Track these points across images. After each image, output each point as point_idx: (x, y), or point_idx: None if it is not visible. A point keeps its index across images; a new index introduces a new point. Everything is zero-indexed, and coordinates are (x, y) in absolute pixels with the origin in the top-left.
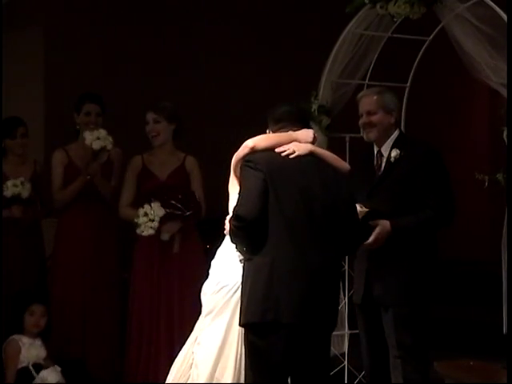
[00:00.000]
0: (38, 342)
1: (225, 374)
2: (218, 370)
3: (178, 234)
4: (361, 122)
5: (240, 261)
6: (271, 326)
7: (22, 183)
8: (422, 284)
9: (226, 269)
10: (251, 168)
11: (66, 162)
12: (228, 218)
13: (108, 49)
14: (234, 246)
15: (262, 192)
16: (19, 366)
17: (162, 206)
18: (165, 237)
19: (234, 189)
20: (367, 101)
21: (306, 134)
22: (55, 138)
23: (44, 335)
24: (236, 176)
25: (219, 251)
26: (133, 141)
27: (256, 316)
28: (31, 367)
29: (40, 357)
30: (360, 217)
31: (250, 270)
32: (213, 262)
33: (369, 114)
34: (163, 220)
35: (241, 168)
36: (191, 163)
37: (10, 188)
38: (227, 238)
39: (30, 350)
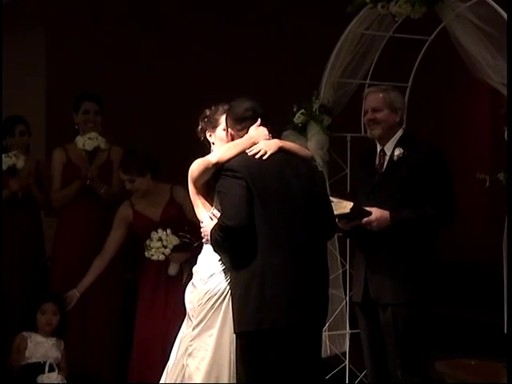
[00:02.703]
0: (51, 342)
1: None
2: (212, 380)
3: (185, 267)
4: (365, 118)
5: (224, 270)
6: (267, 333)
7: (14, 155)
8: (421, 283)
9: (212, 278)
10: (231, 177)
11: (64, 161)
12: (203, 226)
13: (108, 49)
14: (218, 256)
15: (247, 199)
16: (24, 362)
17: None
18: (172, 272)
19: (199, 208)
20: (373, 98)
21: (261, 132)
22: (56, 136)
23: (59, 334)
24: (200, 193)
25: (200, 258)
26: (133, 140)
27: (251, 325)
28: (47, 365)
29: (49, 356)
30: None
31: (238, 279)
32: (195, 269)
33: (374, 110)
34: (174, 249)
35: (217, 179)
36: (179, 193)
37: (4, 161)
38: (207, 246)
39: (37, 347)
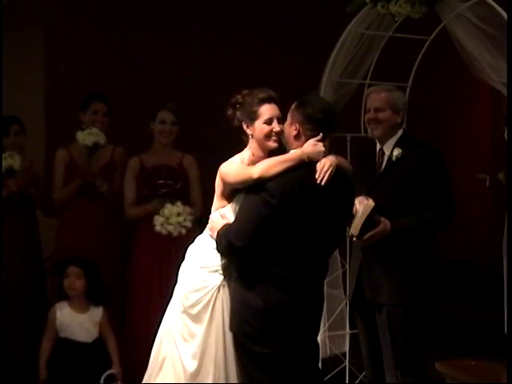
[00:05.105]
0: (83, 317)
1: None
2: (199, 376)
3: None
4: (367, 117)
5: (220, 267)
6: (268, 337)
7: (10, 155)
8: (417, 284)
9: (204, 270)
10: (263, 198)
11: (67, 161)
12: (212, 220)
13: (108, 49)
14: (216, 252)
15: (266, 226)
16: (58, 336)
17: (153, 189)
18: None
19: (216, 201)
20: (376, 97)
21: (317, 151)
22: (55, 137)
23: (93, 301)
24: (225, 192)
25: (198, 241)
26: (133, 140)
27: (254, 328)
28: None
29: (82, 334)
30: (368, 210)
31: (241, 284)
32: (190, 248)
33: (376, 110)
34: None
35: (251, 189)
36: (189, 162)
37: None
38: (208, 233)
39: (68, 320)
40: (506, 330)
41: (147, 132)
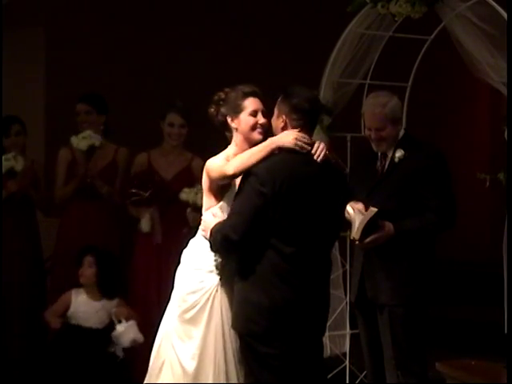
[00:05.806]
0: (97, 305)
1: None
2: (198, 377)
3: (156, 224)
4: (370, 136)
5: (214, 268)
6: (274, 336)
7: (13, 157)
8: (418, 284)
9: (200, 272)
10: (253, 186)
11: (69, 160)
12: (204, 220)
13: (108, 49)
14: (211, 253)
15: (259, 215)
16: (64, 320)
17: (127, 196)
18: (145, 228)
19: (206, 200)
20: (373, 118)
21: (288, 137)
22: (55, 137)
23: (105, 292)
24: (212, 187)
25: (193, 243)
26: (133, 140)
27: (260, 327)
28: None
29: (92, 322)
30: (370, 215)
31: (244, 284)
32: (186, 252)
33: (377, 129)
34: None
35: (242, 180)
36: (198, 165)
37: (3, 163)
38: (201, 234)
39: (80, 307)
40: (506, 330)
41: (147, 132)
